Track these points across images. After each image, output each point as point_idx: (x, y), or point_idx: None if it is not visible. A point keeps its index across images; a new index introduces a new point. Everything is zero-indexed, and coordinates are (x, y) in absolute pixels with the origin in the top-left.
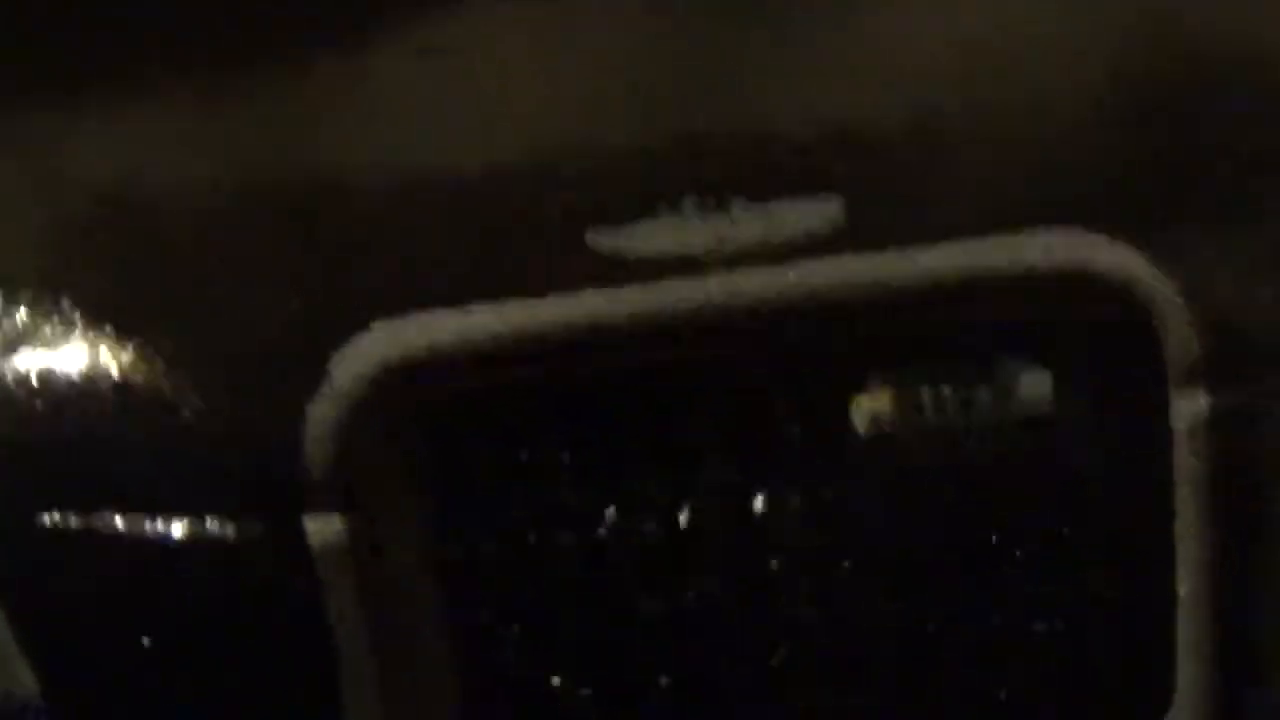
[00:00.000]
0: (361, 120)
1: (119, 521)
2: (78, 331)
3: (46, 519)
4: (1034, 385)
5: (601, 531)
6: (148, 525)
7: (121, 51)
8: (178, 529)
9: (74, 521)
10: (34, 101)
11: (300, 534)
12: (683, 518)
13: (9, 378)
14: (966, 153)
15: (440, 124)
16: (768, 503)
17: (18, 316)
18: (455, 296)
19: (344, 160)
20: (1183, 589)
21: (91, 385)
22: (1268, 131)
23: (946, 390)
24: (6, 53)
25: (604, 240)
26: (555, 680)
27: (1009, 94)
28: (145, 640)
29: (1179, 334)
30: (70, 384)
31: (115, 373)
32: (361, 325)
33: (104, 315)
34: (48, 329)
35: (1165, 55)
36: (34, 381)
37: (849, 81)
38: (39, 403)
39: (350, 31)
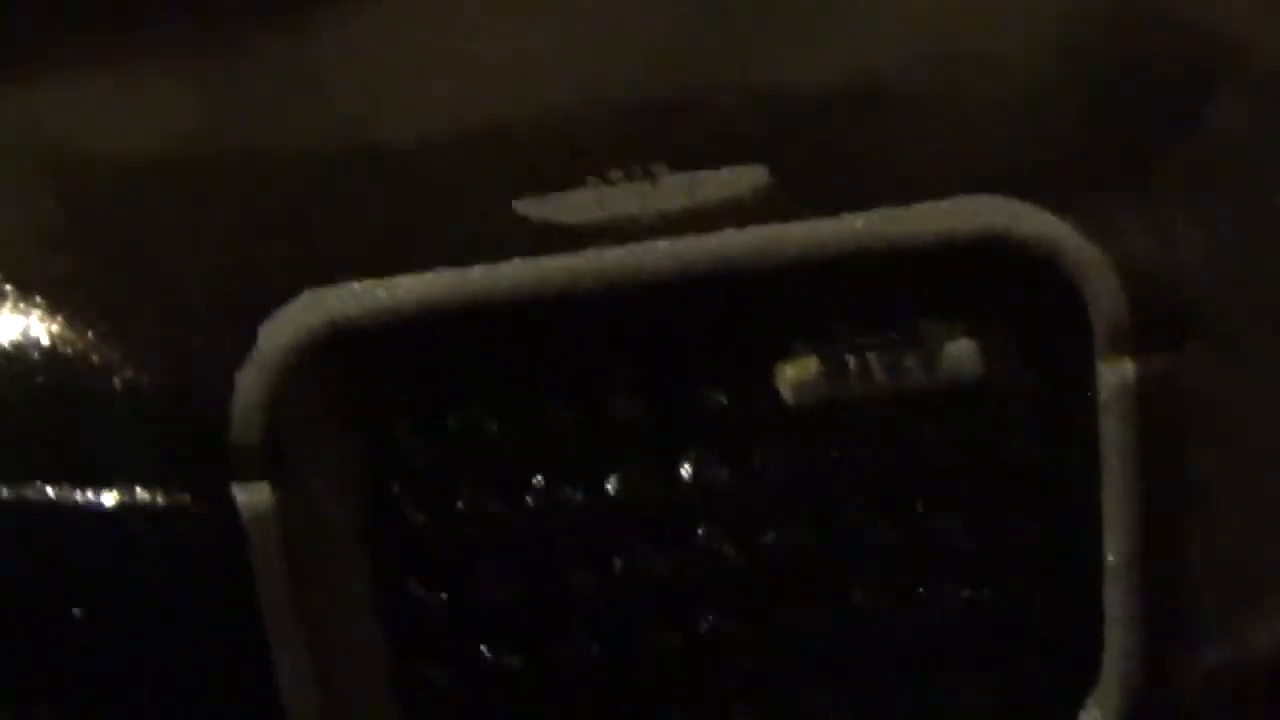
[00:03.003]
0: (288, 88)
1: (49, 491)
2: (7, 300)
3: None
4: (959, 352)
5: (529, 500)
6: (78, 495)
7: (44, 16)
8: (107, 498)
9: (4, 492)
10: None
11: (230, 503)
12: (610, 486)
13: None
14: (892, 120)
15: (367, 92)
16: (694, 470)
17: None
18: (383, 265)
19: (270, 127)
20: (1110, 557)
21: (20, 354)
22: (1191, 93)
23: (872, 357)
24: None
25: (532, 209)
26: (486, 651)
27: (934, 61)
28: (76, 610)
29: (1105, 300)
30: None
31: (44, 342)
32: (289, 294)
33: (32, 284)
34: None
35: (1089, 19)
36: None
37: (775, 49)
38: None
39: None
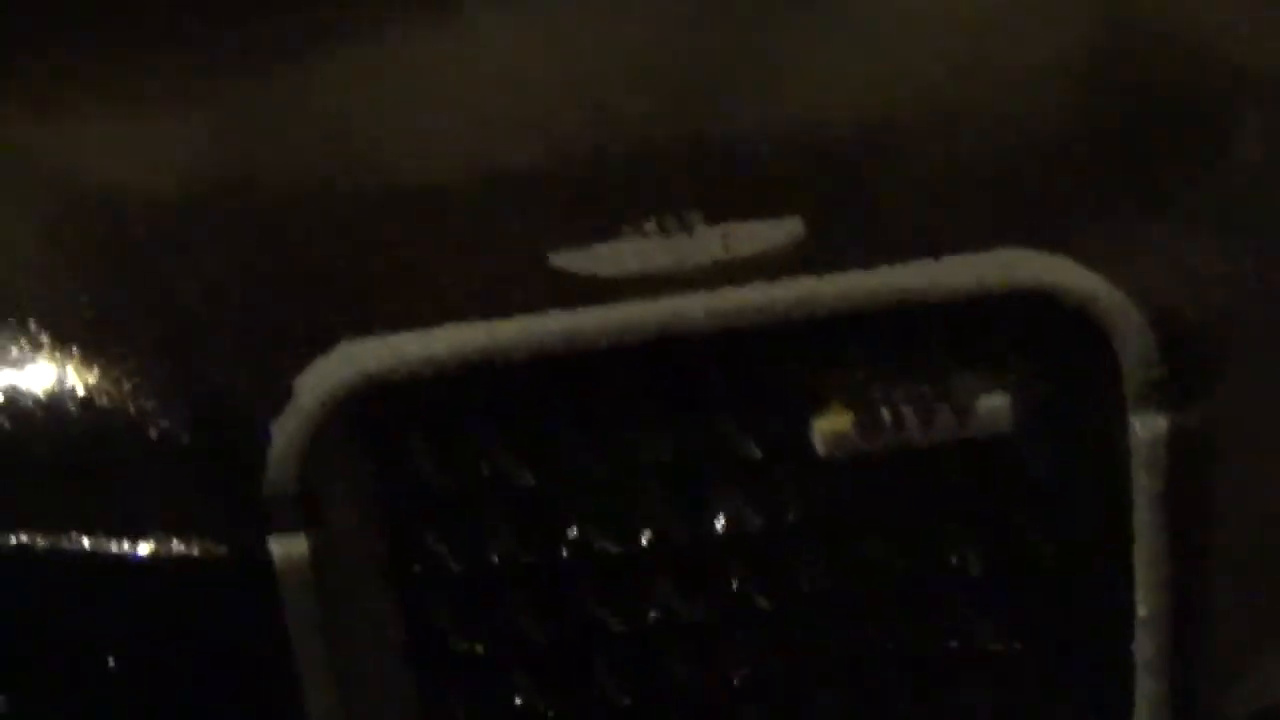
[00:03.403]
0: (325, 139)
1: (85, 542)
2: (43, 349)
3: (12, 539)
4: (992, 405)
5: (563, 551)
6: (113, 545)
7: (80, 51)
8: (143, 549)
9: (40, 542)
10: None
11: (265, 554)
12: (644, 538)
13: None
14: (926, 171)
15: (403, 143)
16: (727, 523)
17: None
18: (419, 317)
19: (304, 176)
20: (1142, 609)
21: (55, 405)
22: (1204, 126)
23: (905, 410)
24: None
25: (567, 261)
26: (518, 700)
27: (968, 112)
28: (110, 661)
29: (1138, 352)
30: (36, 403)
31: (80, 392)
32: (324, 345)
33: (69, 333)
34: (13, 347)
35: (1106, 62)
36: None
37: (810, 99)
38: (4, 422)
39: (312, 45)
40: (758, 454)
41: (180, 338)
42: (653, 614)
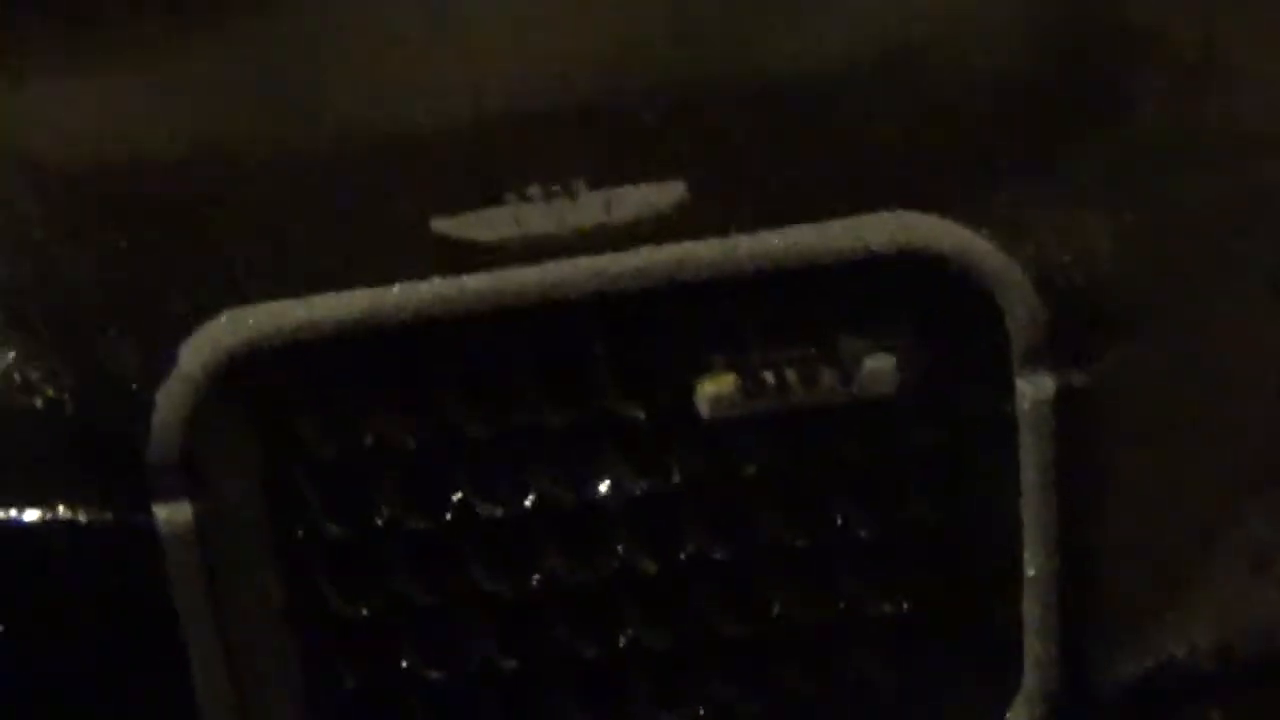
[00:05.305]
0: (207, 111)
1: None
2: None
3: None
4: (876, 367)
5: (446, 515)
6: (0, 513)
7: None
8: (30, 516)
9: None
10: None
11: (150, 519)
12: (528, 502)
13: None
14: (809, 135)
15: (284, 109)
16: (612, 488)
17: None
18: (301, 284)
19: (193, 149)
20: (1030, 570)
21: None
22: (1099, 92)
23: (789, 372)
24: None
25: (449, 227)
26: (403, 664)
27: (854, 76)
28: None
29: (1022, 314)
30: None
31: None
32: (208, 312)
33: None
34: None
35: (1012, 36)
36: None
37: (692, 64)
38: None
39: (195, 17)
40: (642, 417)
41: (65, 308)
42: (536, 578)
